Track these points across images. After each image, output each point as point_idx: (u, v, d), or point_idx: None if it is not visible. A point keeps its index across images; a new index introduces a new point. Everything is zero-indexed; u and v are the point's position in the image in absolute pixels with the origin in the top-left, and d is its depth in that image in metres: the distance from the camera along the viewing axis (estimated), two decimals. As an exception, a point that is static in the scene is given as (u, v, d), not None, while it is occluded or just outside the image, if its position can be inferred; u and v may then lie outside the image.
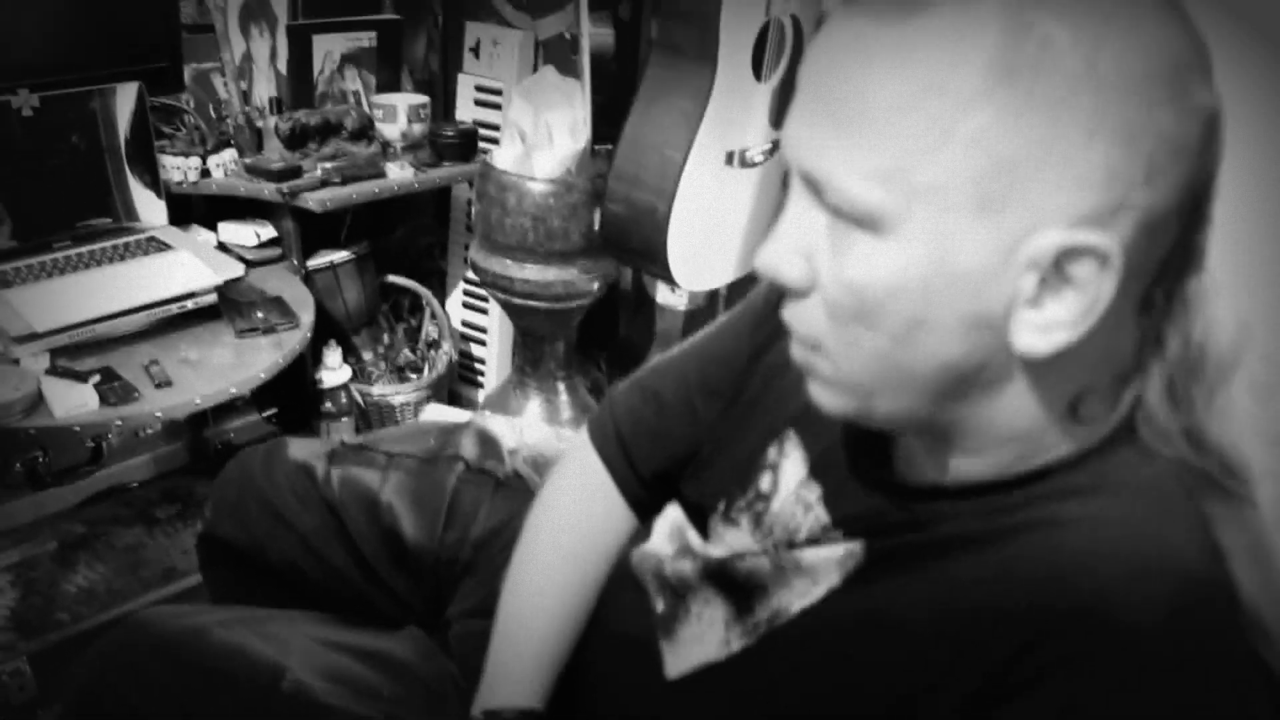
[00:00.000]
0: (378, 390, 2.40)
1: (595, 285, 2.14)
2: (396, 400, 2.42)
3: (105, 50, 2.09)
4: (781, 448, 0.81)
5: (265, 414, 2.33)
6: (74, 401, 1.63)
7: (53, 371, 1.69)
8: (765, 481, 0.81)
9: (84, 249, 1.96)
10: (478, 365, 2.72)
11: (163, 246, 2.01)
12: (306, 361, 2.26)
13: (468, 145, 2.38)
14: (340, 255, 2.34)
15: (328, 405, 2.25)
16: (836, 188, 0.59)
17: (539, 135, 2.06)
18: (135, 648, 1.03)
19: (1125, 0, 0.56)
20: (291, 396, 2.31)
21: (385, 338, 2.56)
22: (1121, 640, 0.56)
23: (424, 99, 2.41)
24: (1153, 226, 0.58)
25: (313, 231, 2.32)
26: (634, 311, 2.57)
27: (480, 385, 2.72)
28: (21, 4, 1.98)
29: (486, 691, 0.92)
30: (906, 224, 0.57)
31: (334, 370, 2.24)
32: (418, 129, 2.38)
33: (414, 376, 2.54)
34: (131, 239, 2.01)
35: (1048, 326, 0.58)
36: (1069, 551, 0.60)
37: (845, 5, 0.60)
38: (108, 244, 1.98)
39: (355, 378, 2.41)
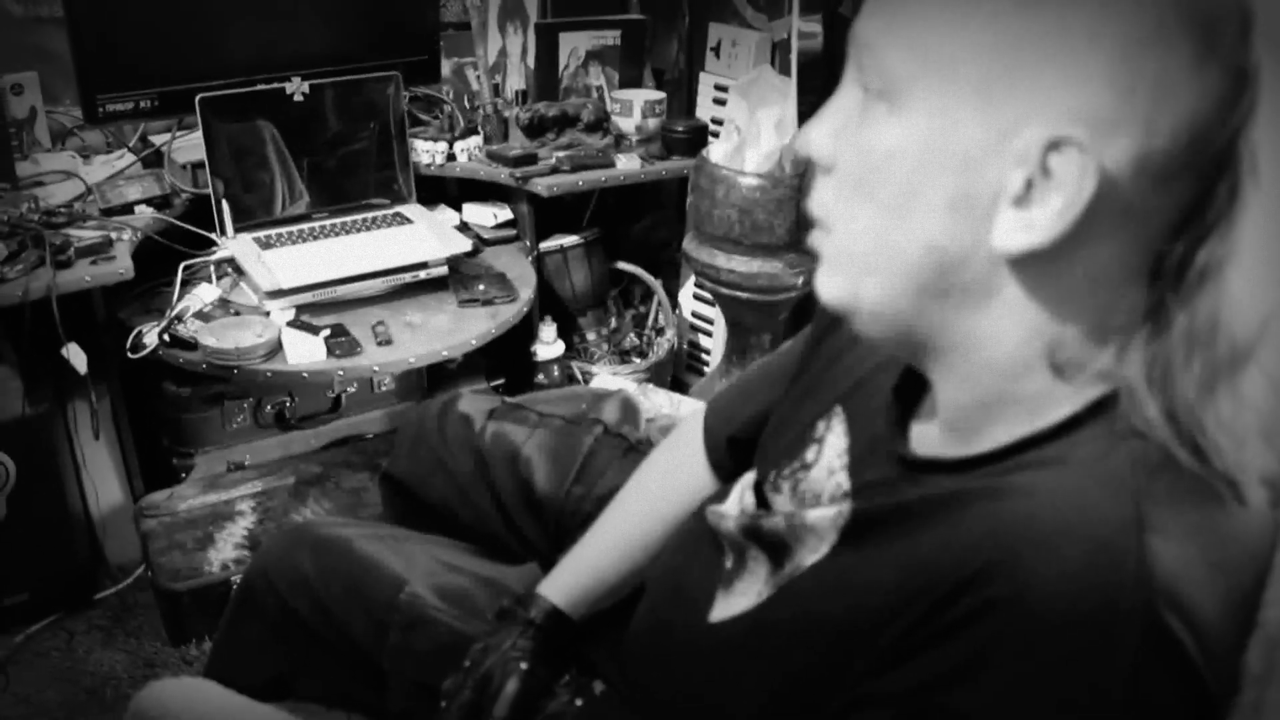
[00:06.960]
0: (597, 369, 2.53)
1: (799, 280, 2.17)
2: (614, 381, 2.54)
3: (370, 44, 2.31)
4: (829, 423, 0.85)
5: (493, 383, 2.51)
6: (305, 351, 1.84)
7: (293, 324, 1.92)
8: (811, 453, 0.85)
9: (335, 220, 2.19)
10: (703, 355, 2.81)
11: (404, 221, 2.21)
12: (533, 336, 2.42)
13: (697, 140, 2.45)
14: (570, 239, 2.48)
15: (540, 377, 2.39)
16: (871, 49, 0.65)
17: (751, 131, 2.13)
18: (292, 547, 1.21)
19: None
20: (516, 368, 2.48)
21: (612, 321, 2.69)
22: (1026, 596, 0.57)
23: (660, 95, 2.52)
24: (1152, 165, 0.59)
25: (552, 216, 2.47)
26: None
27: (703, 374, 2.81)
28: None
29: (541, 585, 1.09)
30: (916, 96, 0.63)
31: (548, 345, 2.39)
32: (652, 123, 2.50)
33: (636, 360, 2.65)
34: (378, 213, 2.23)
35: (1027, 225, 0.61)
36: (1004, 516, 0.62)
37: None
38: (356, 216, 2.21)
39: (577, 356, 2.55)
